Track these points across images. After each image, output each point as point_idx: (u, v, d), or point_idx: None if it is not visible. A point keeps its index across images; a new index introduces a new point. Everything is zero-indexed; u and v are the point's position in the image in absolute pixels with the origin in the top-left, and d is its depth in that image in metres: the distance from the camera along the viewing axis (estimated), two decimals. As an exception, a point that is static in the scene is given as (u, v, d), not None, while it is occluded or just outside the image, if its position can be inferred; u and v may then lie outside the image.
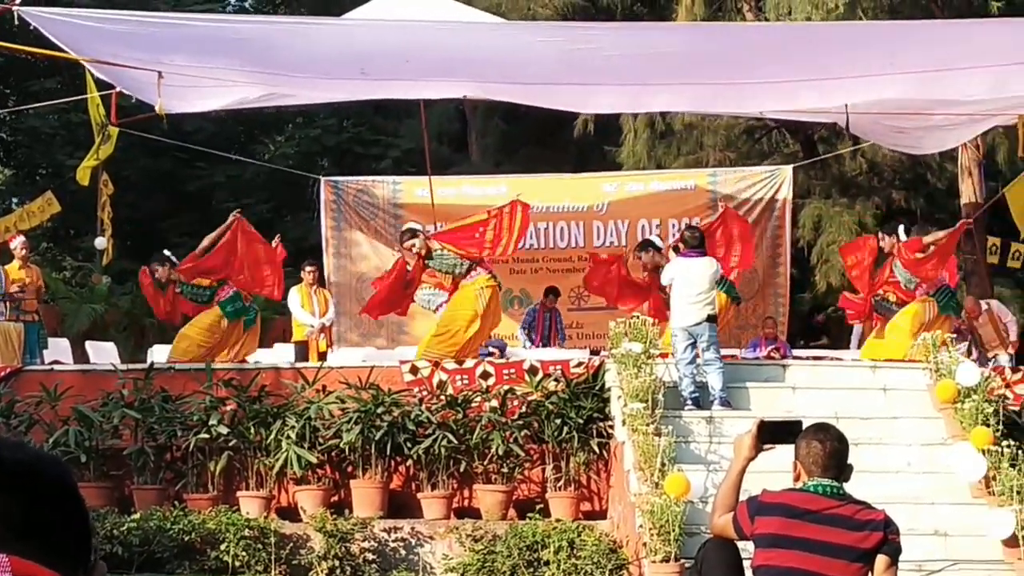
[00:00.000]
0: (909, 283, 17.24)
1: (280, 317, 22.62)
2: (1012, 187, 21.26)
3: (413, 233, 17.25)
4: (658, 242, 18.55)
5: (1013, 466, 12.54)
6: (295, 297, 20.38)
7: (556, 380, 14.99)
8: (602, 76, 16.23)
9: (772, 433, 6.13)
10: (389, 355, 17.80)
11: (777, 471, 6.01)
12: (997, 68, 15.20)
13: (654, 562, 11.59)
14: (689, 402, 14.50)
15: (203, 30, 15.72)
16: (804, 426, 6.07)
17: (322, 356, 19.37)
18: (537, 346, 20.12)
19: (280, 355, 19.35)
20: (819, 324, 21.73)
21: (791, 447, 5.97)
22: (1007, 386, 15.36)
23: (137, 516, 13.56)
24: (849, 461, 5.94)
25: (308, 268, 20.69)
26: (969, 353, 18.13)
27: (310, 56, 15.74)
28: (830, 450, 5.85)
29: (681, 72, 16.65)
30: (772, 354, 19.67)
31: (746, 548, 6.14)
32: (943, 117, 18.03)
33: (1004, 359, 19.01)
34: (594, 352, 18.01)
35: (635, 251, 18.53)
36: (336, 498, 14.52)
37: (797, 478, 5.93)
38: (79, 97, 19.97)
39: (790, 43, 16.19)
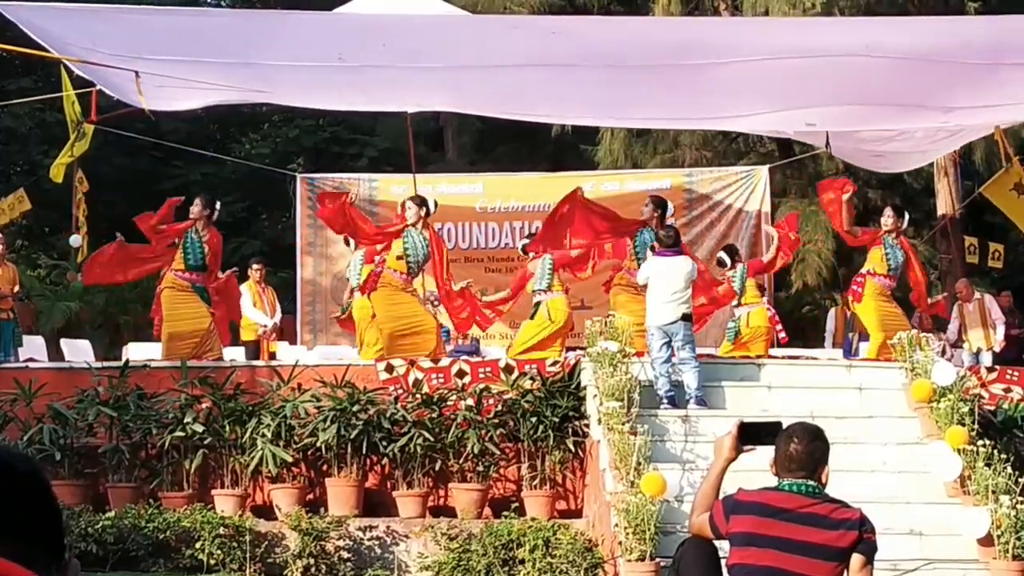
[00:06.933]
0: (896, 270, 17.19)
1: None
2: (988, 186, 21.26)
3: (422, 201, 17.11)
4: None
5: (988, 465, 12.57)
6: (246, 295, 20.00)
7: (532, 379, 14.97)
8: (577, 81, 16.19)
9: (752, 434, 6.13)
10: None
11: (759, 470, 6.01)
12: (974, 65, 15.14)
13: (629, 561, 11.58)
14: (665, 401, 14.49)
15: (179, 21, 15.65)
16: (784, 427, 6.07)
17: (271, 356, 19.21)
18: None
19: (230, 356, 19.18)
20: None
21: (772, 447, 5.98)
22: (982, 385, 15.40)
23: (112, 514, 13.52)
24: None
25: (256, 265, 20.40)
26: (943, 352, 18.13)
27: (287, 44, 15.69)
28: (793, 454, 5.84)
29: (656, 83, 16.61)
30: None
31: (723, 548, 6.14)
32: (922, 134, 18.02)
33: (987, 358, 18.99)
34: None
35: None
36: (311, 496, 14.50)
37: (776, 475, 5.95)
38: (56, 95, 19.88)
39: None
